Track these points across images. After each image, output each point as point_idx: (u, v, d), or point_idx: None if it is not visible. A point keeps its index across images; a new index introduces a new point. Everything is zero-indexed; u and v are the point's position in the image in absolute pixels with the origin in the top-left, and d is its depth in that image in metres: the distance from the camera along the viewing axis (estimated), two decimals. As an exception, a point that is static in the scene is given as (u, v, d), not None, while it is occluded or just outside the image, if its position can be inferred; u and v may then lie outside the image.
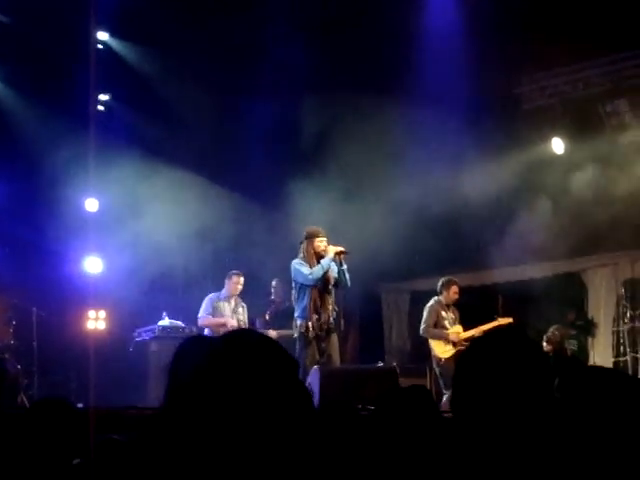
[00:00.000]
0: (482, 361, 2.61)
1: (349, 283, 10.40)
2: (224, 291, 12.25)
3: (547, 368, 2.65)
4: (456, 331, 11.87)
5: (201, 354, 2.50)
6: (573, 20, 12.43)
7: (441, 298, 12.01)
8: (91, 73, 13.03)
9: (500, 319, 11.68)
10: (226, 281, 12.25)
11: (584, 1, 12.46)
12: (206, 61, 13.93)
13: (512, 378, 2.54)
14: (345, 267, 10.36)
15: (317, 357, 10.17)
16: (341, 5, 13.58)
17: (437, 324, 11.94)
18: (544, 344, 11.77)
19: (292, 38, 13.38)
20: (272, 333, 12.18)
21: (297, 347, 10.27)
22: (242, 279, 12.24)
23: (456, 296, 12.01)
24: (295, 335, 10.38)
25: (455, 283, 12.04)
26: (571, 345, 12.92)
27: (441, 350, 11.86)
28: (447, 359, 11.71)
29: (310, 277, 10.21)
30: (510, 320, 11.62)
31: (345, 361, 11.84)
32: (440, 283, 12.07)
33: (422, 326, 12.06)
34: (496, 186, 13.23)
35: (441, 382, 11.66)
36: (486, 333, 3.04)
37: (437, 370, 11.84)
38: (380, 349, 15.55)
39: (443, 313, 11.99)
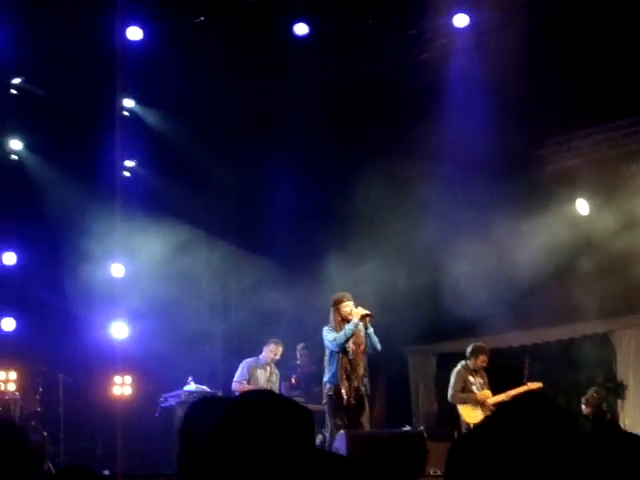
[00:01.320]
0: (507, 428, 2.58)
1: (378, 346, 10.34)
2: (261, 357, 12.19)
3: (576, 435, 2.61)
4: (485, 395, 11.76)
5: (214, 416, 2.48)
6: (597, 81, 12.48)
7: (469, 363, 11.91)
8: (117, 139, 13.22)
9: (530, 384, 11.55)
10: (264, 348, 12.19)
11: (607, 62, 12.50)
12: (232, 127, 14.07)
13: (538, 446, 2.50)
14: (371, 330, 10.31)
15: (345, 422, 10.09)
16: (362, 70, 13.76)
17: (465, 389, 11.82)
18: (583, 406, 11.62)
19: (314, 105, 13.55)
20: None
21: (327, 413, 10.21)
22: (281, 348, 12.19)
23: (484, 364, 11.90)
24: (324, 401, 10.33)
25: (484, 351, 11.93)
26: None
27: (470, 416, 11.73)
28: (476, 424, 11.58)
29: (334, 343, 10.17)
30: (540, 385, 11.49)
31: (372, 425, 11.75)
32: (469, 349, 11.96)
33: (450, 392, 11.95)
34: (522, 247, 13.18)
35: None
36: (513, 398, 3.02)
37: None
38: (407, 413, 15.41)
39: (471, 378, 11.87)
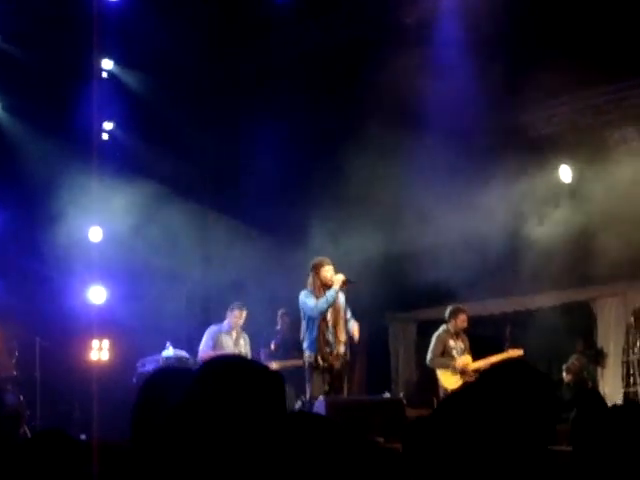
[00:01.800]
0: (489, 395, 2.55)
1: (355, 335, 10.30)
2: (225, 323, 12.08)
3: (556, 401, 2.60)
4: (465, 361, 11.74)
5: (174, 386, 2.41)
6: (580, 47, 12.40)
7: (449, 327, 11.89)
8: (94, 101, 13.05)
9: (510, 351, 11.54)
10: (228, 313, 12.09)
11: (591, 28, 12.42)
12: (213, 91, 13.94)
13: (520, 412, 2.48)
14: (349, 315, 10.30)
15: (325, 388, 10.05)
16: (344, 33, 13.65)
17: (445, 353, 11.81)
18: (564, 374, 11.62)
19: (296, 69, 13.45)
20: (274, 365, 12.04)
21: (306, 378, 10.16)
22: (245, 313, 12.06)
23: (464, 324, 11.89)
24: (305, 366, 10.27)
25: (463, 311, 11.93)
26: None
27: (448, 381, 11.72)
28: (454, 390, 11.56)
29: (315, 310, 10.09)
30: (520, 352, 11.48)
31: (352, 392, 11.71)
32: (448, 311, 11.96)
33: (429, 356, 11.94)
34: (504, 215, 13.14)
35: None
36: (494, 365, 2.98)
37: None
38: (387, 380, 15.42)
39: (451, 342, 11.86)
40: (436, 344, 11.88)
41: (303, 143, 13.87)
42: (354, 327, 10.29)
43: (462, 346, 11.91)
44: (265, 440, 2.26)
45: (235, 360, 2.64)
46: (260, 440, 2.25)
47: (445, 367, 11.73)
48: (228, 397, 2.28)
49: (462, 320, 11.86)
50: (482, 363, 11.49)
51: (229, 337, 12.05)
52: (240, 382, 2.31)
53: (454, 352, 11.80)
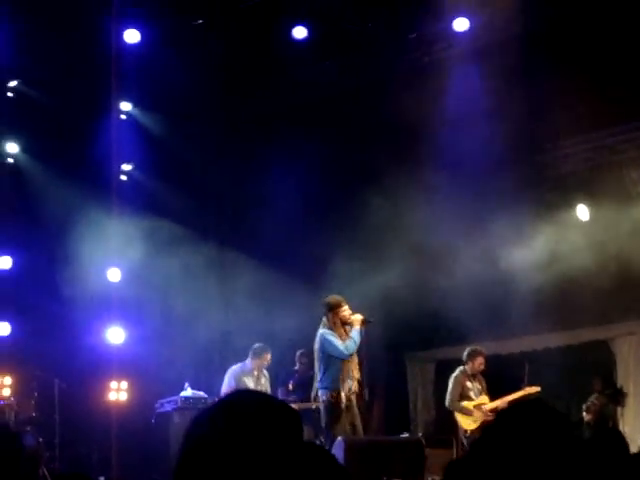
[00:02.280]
0: (508, 434, 2.56)
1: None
2: (248, 363, 12.11)
3: (574, 440, 2.60)
4: (482, 402, 11.72)
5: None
6: (596, 86, 12.44)
7: (466, 368, 11.88)
8: (113, 142, 13.16)
9: (527, 388, 11.51)
10: (252, 355, 12.10)
11: (606, 66, 12.47)
12: (230, 131, 14.03)
13: (538, 451, 2.49)
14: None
15: (347, 428, 10.00)
16: (361, 74, 13.74)
17: (462, 395, 11.80)
18: (584, 414, 11.57)
19: (313, 109, 13.52)
20: (293, 406, 12.03)
21: (324, 419, 10.10)
22: (269, 356, 12.10)
23: (482, 367, 11.88)
24: (318, 406, 10.24)
25: (481, 354, 11.91)
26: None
27: (467, 422, 11.72)
28: (473, 431, 11.57)
29: (346, 352, 10.04)
30: (537, 389, 11.44)
31: (370, 431, 11.68)
32: (466, 353, 11.94)
33: (447, 398, 11.93)
34: (522, 253, 13.14)
35: None
36: (512, 404, 2.99)
37: (465, 442, 11.68)
38: (405, 419, 15.37)
39: (469, 384, 11.84)
40: (454, 386, 11.87)
41: (320, 184, 13.91)
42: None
43: (479, 387, 11.90)
44: (284, 475, 2.27)
45: (252, 395, 2.65)
46: (280, 475, 2.26)
47: (464, 413, 11.73)
48: (245, 431, 2.29)
49: (480, 362, 11.85)
50: (499, 402, 11.48)
51: (251, 377, 12.08)
52: (258, 416, 2.32)
53: (471, 393, 11.78)
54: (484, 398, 11.79)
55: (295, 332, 12.88)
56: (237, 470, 2.24)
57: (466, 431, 11.62)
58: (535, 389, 11.46)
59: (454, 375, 11.97)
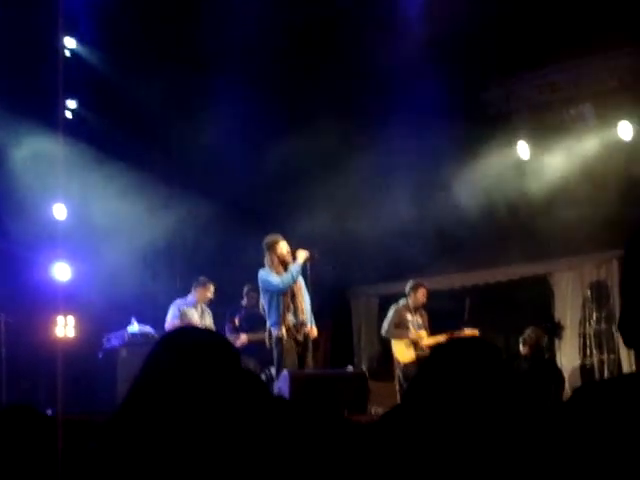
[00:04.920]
0: (443, 367, 2.64)
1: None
2: (191, 297, 12.28)
3: (509, 376, 2.67)
4: (420, 336, 11.90)
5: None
6: (537, 25, 12.53)
7: (409, 301, 12.05)
8: (59, 78, 13.00)
9: (466, 330, 11.62)
10: (195, 288, 12.27)
11: (549, 5, 12.55)
12: (177, 67, 13.91)
13: (473, 386, 2.57)
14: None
15: (296, 361, 10.22)
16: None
17: (401, 327, 11.96)
18: (521, 346, 11.80)
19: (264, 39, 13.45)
20: (243, 337, 12.25)
21: (274, 354, 10.30)
22: (212, 288, 12.27)
23: (424, 299, 12.04)
24: (271, 343, 10.40)
25: (423, 286, 12.08)
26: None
27: (402, 354, 11.90)
28: (407, 364, 11.76)
29: (281, 286, 10.25)
30: (476, 332, 11.57)
31: (316, 366, 11.87)
32: (408, 286, 12.11)
33: (384, 326, 12.11)
34: (463, 191, 13.31)
35: (405, 386, 11.65)
36: (452, 339, 3.09)
37: (400, 374, 11.86)
38: (350, 354, 15.58)
39: (409, 316, 12.01)
40: (393, 316, 12.04)
41: (266, 122, 13.86)
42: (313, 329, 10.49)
43: (420, 321, 12.06)
44: (223, 409, 2.38)
45: (192, 332, 2.75)
46: (218, 409, 2.37)
47: (400, 337, 11.87)
48: (184, 367, 2.39)
49: (422, 295, 12.01)
50: (437, 339, 11.66)
51: (195, 311, 12.22)
52: (197, 352, 2.43)
53: (410, 326, 11.95)
54: (423, 333, 11.98)
55: (243, 268, 12.98)
56: (179, 405, 2.35)
57: (400, 363, 11.84)
58: (473, 332, 11.58)
59: (395, 306, 12.16)
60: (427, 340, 11.85)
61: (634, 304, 1.92)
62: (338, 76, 13.60)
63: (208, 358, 2.43)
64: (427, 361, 2.82)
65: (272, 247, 10.41)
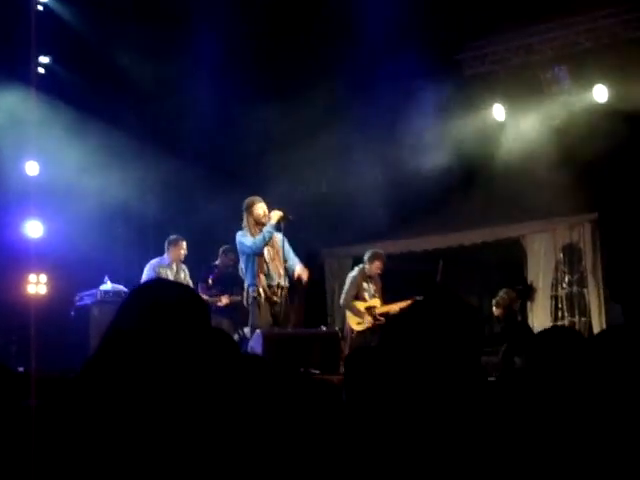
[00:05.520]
0: (417, 321, 2.64)
1: (297, 268, 10.45)
2: (165, 257, 12.26)
3: (479, 331, 2.69)
4: (373, 304, 11.96)
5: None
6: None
7: (365, 268, 12.10)
8: (32, 34, 12.87)
9: (417, 298, 11.55)
10: (168, 247, 12.25)
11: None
12: (151, 22, 13.78)
13: (449, 340, 2.57)
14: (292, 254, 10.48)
15: (270, 321, 10.25)
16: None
17: (357, 296, 12.04)
18: (494, 308, 11.87)
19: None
20: (224, 299, 12.26)
21: (250, 314, 10.33)
22: (185, 244, 12.26)
23: (379, 270, 12.09)
24: (248, 303, 10.42)
25: (380, 257, 12.09)
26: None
27: (355, 322, 11.96)
28: (359, 332, 11.84)
29: (253, 247, 10.26)
30: None
31: (290, 326, 11.90)
32: (367, 255, 12.14)
33: (342, 297, 12.19)
34: (438, 152, 13.31)
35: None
36: (402, 310, 3.08)
37: (349, 341, 11.89)
38: (324, 314, 15.63)
39: (364, 284, 12.08)
40: (350, 286, 12.11)
41: (243, 85, 13.76)
42: (301, 270, 10.47)
43: (374, 288, 12.12)
44: (190, 363, 2.38)
45: (164, 285, 2.74)
46: (185, 363, 2.37)
47: (355, 314, 11.97)
48: (153, 320, 2.39)
49: (377, 266, 12.04)
50: (390, 307, 11.73)
51: (169, 270, 12.21)
52: (166, 306, 2.42)
53: (366, 294, 12.03)
54: (376, 301, 12.03)
55: (218, 229, 12.96)
56: (147, 359, 2.35)
57: (353, 330, 11.89)
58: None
59: (352, 274, 12.21)
60: (380, 309, 11.92)
61: (620, 260, 1.94)
62: (315, 41, 13.54)
63: (177, 312, 2.43)
64: (404, 314, 2.81)
65: (249, 208, 10.41)
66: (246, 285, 10.43)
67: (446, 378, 2.52)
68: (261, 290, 10.23)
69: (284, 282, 10.39)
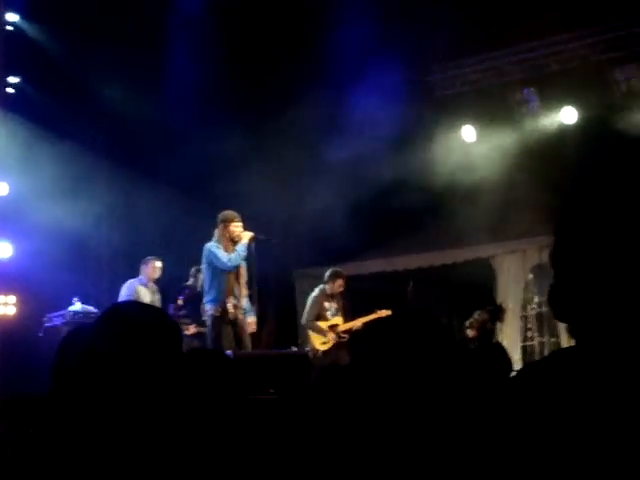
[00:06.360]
0: (391, 338, 2.63)
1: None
2: (142, 277, 12.26)
3: (452, 344, 2.67)
4: (336, 322, 11.94)
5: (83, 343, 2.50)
6: (483, 9, 12.60)
7: (326, 288, 12.08)
8: (1, 54, 12.84)
9: (379, 312, 11.55)
10: (143, 267, 12.25)
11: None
12: (120, 42, 13.77)
13: (414, 357, 2.56)
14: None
15: (233, 342, 10.18)
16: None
17: (319, 315, 12.01)
18: (467, 330, 11.88)
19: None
20: (192, 328, 12.23)
21: (210, 333, 10.24)
22: (158, 264, 12.27)
23: (341, 289, 12.08)
24: (207, 320, 10.36)
25: (341, 276, 12.08)
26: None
27: (319, 342, 11.93)
28: (324, 352, 11.81)
29: (229, 264, 10.16)
30: (389, 312, 11.56)
31: (260, 347, 11.87)
32: (328, 274, 12.12)
33: (304, 317, 12.15)
34: (409, 174, 13.33)
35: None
36: (366, 325, 3.06)
37: (313, 362, 11.87)
38: (294, 335, 15.60)
39: (326, 304, 12.06)
40: (312, 306, 12.07)
41: (212, 104, 13.78)
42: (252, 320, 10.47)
43: (336, 306, 12.11)
44: (163, 384, 2.37)
45: (135, 306, 2.73)
46: (158, 384, 2.36)
47: (317, 333, 11.95)
48: (124, 341, 2.38)
49: (339, 285, 12.03)
50: (352, 324, 11.73)
51: (147, 290, 12.22)
52: (137, 329, 2.42)
53: (328, 313, 12.00)
54: (339, 319, 12.01)
55: (190, 249, 12.93)
56: (119, 379, 2.34)
57: (317, 351, 11.86)
58: (386, 312, 11.50)
59: (313, 294, 12.18)
60: (343, 326, 11.91)
61: (564, 277, 1.94)
62: (285, 60, 13.57)
63: (149, 334, 2.42)
64: (373, 327, 2.79)
65: (226, 223, 10.27)
66: (206, 300, 10.31)
67: (424, 392, 2.50)
68: (229, 307, 10.16)
69: (245, 303, 10.35)
